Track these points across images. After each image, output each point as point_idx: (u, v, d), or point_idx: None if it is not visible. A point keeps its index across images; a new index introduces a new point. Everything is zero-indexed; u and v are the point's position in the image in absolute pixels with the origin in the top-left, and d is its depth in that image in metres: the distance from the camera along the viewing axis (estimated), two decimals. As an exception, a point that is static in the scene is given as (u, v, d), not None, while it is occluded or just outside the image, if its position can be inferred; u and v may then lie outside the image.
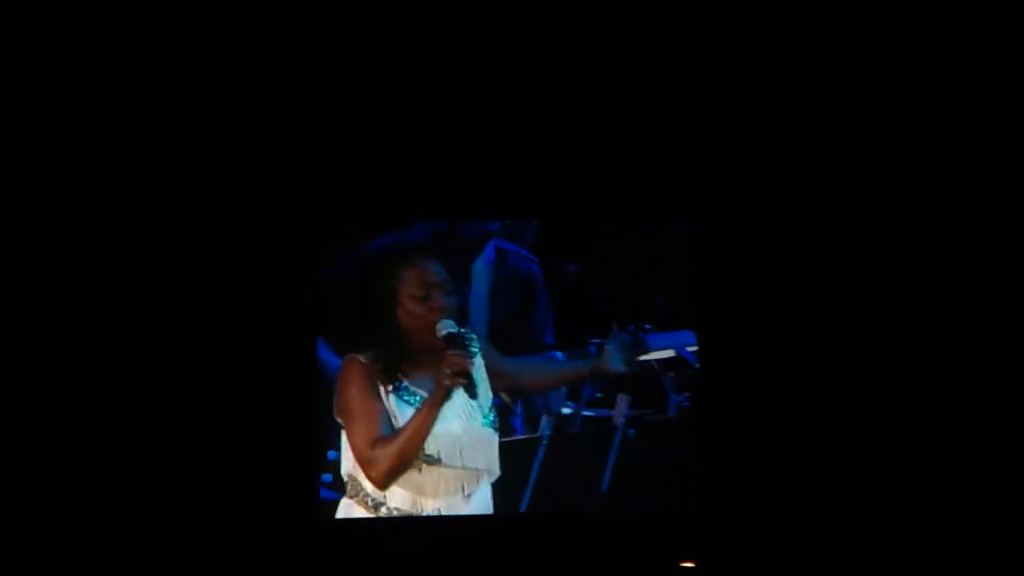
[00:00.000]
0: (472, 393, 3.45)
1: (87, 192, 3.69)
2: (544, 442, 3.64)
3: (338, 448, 3.55)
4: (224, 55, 3.71)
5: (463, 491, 3.51)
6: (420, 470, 3.49)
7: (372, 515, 3.51)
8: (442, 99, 3.78)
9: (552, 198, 3.81)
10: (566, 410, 3.68)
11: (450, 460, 3.49)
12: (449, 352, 3.41)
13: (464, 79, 3.77)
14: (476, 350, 3.44)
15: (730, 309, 3.77)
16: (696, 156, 3.82)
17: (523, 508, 3.61)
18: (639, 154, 3.80)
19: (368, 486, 3.50)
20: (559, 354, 3.68)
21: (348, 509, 3.53)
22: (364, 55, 3.75)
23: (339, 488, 3.56)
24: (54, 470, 3.58)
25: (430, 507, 3.51)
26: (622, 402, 3.65)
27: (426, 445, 3.47)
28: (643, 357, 3.65)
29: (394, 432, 3.46)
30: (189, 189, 3.72)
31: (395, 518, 3.52)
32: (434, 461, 3.48)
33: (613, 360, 3.60)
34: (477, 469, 3.50)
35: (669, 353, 3.69)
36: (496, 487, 3.55)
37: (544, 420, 3.66)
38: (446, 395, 3.44)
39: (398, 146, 3.79)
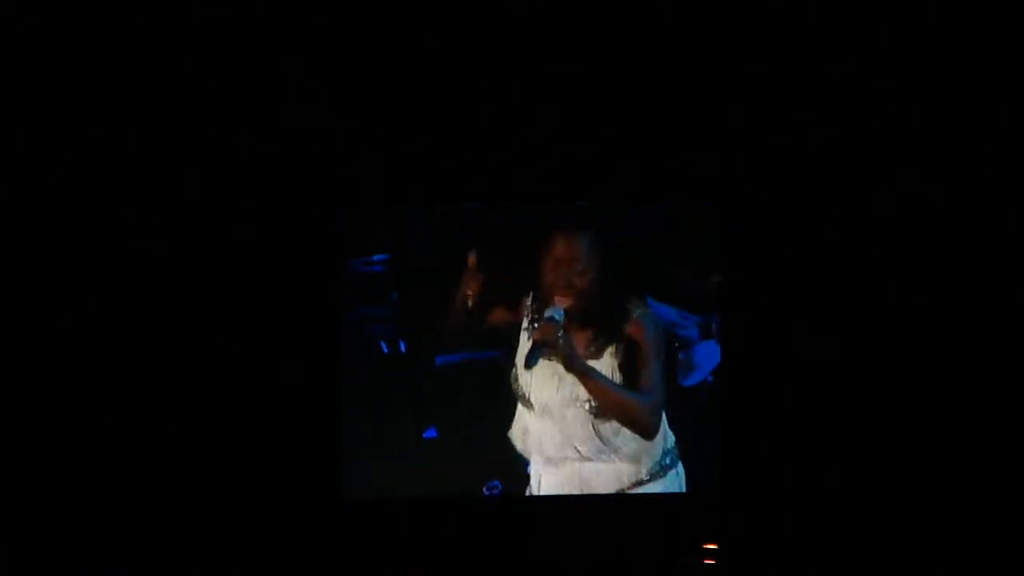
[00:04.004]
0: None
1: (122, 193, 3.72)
2: None
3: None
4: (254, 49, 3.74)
5: (571, 456, 3.59)
6: (536, 415, 3.62)
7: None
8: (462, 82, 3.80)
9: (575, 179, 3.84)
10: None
11: (543, 414, 3.60)
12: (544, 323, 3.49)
13: (494, 60, 3.79)
14: (562, 340, 3.47)
15: (751, 290, 3.81)
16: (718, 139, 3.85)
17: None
18: (662, 134, 3.84)
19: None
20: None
21: None
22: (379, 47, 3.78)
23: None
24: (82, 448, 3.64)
25: (535, 451, 3.64)
26: None
27: (535, 396, 3.59)
28: None
29: None
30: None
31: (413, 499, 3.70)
32: (540, 414, 3.61)
33: None
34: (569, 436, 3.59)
35: None
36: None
37: None
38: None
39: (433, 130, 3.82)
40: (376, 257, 3.76)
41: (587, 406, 3.57)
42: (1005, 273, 3.75)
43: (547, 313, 3.49)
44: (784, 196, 3.84)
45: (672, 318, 3.71)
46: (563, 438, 3.61)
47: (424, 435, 3.75)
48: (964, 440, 3.73)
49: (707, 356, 3.76)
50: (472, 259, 3.62)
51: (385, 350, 3.76)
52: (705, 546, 3.72)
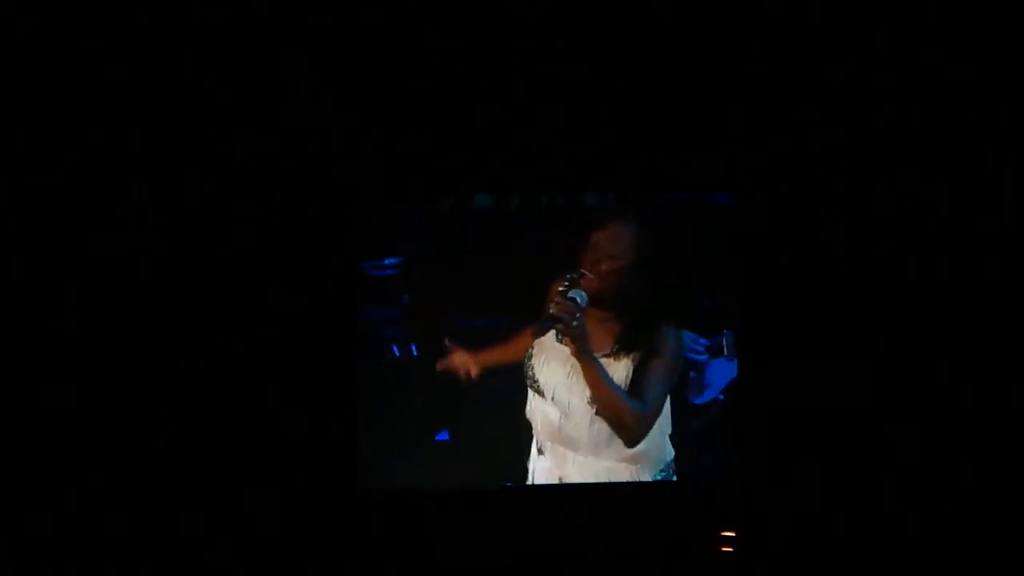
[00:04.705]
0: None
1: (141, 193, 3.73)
2: None
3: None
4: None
5: (572, 443, 3.60)
6: (541, 398, 3.63)
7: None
8: (480, 76, 3.81)
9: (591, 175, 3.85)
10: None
11: (555, 400, 3.60)
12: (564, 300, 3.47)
13: (508, 53, 3.79)
14: (576, 323, 3.43)
15: (770, 292, 3.82)
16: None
17: None
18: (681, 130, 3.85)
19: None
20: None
21: None
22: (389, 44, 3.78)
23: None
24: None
25: (546, 442, 3.65)
26: None
27: (543, 379, 3.60)
28: None
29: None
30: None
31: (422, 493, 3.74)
32: (545, 398, 3.61)
33: None
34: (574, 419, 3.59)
35: None
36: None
37: None
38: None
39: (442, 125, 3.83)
40: (387, 261, 3.77)
41: (590, 400, 3.57)
42: (1005, 273, 3.75)
43: (570, 293, 3.46)
44: (783, 196, 3.84)
45: (684, 341, 3.71)
46: (564, 426, 3.60)
47: (437, 438, 3.76)
48: (969, 443, 3.73)
49: (718, 374, 3.77)
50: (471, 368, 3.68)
51: (396, 353, 3.76)
52: (723, 533, 3.73)
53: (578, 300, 3.43)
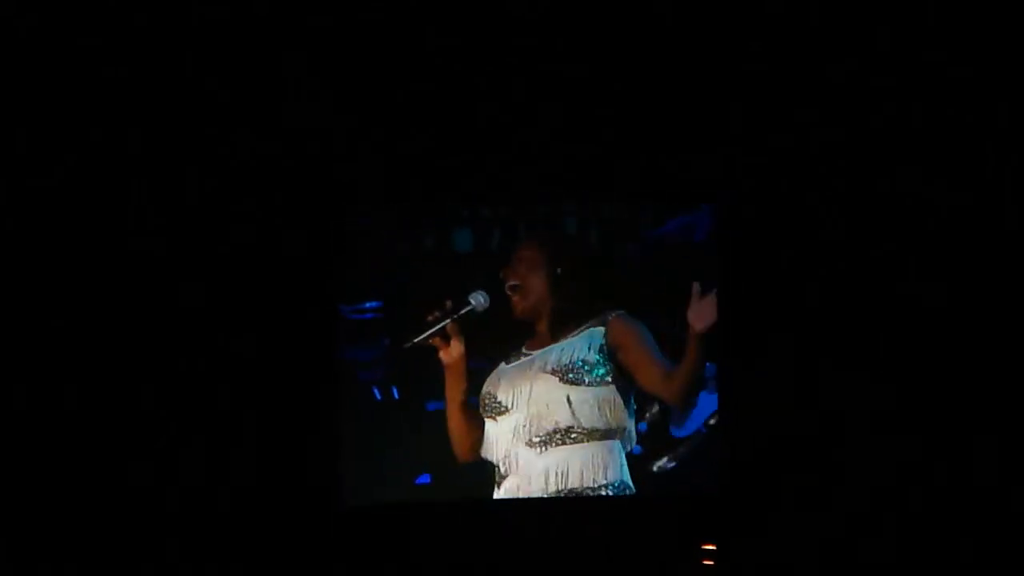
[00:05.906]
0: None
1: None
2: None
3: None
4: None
5: (531, 442, 3.55)
6: (496, 420, 3.60)
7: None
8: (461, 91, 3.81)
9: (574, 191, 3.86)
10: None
11: (515, 407, 3.58)
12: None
13: (508, 53, 3.79)
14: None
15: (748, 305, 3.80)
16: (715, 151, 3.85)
17: None
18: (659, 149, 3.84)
19: None
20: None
21: None
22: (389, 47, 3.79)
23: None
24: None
25: (503, 458, 3.59)
26: None
27: (502, 394, 3.59)
28: None
29: None
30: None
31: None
32: (510, 412, 3.58)
33: None
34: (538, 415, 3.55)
35: None
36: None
37: None
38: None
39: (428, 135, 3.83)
40: (368, 304, 3.76)
41: (559, 376, 3.54)
42: (1005, 273, 3.75)
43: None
44: (784, 196, 3.84)
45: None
46: (530, 424, 3.55)
47: (416, 481, 3.74)
48: (968, 447, 3.72)
49: (701, 406, 3.71)
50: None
51: (378, 396, 3.76)
52: (704, 546, 3.71)
53: (471, 302, 3.53)
